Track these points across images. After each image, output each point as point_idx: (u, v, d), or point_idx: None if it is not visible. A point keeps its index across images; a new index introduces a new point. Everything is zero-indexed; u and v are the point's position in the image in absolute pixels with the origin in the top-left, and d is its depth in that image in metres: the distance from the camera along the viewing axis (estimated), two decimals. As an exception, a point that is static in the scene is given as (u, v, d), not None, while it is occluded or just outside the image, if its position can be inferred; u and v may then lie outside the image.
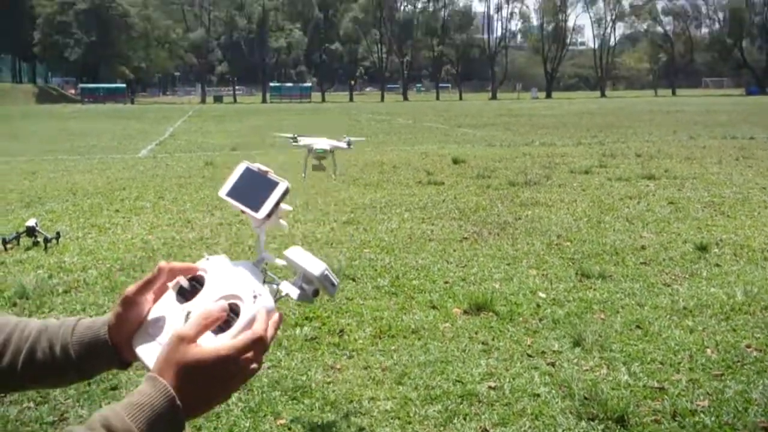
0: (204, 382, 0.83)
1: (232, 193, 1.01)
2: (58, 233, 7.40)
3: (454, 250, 6.87)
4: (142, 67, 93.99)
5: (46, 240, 7.13)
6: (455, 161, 14.03)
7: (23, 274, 6.13)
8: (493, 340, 4.53)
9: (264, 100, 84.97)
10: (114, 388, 3.89)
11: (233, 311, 0.90)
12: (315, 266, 0.97)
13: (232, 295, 0.91)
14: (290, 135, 5.21)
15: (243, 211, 0.99)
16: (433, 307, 5.18)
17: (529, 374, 3.99)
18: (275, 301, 0.94)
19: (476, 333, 4.65)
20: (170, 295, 0.95)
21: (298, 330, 4.70)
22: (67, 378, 1.00)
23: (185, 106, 65.48)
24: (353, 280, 5.88)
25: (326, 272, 0.97)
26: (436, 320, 4.91)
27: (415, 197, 10.03)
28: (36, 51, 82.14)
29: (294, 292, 0.98)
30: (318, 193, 10.44)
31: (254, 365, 0.87)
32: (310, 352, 4.37)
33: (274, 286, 0.98)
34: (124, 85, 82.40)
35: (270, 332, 0.89)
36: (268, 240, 1.01)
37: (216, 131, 25.93)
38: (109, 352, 0.96)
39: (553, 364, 4.12)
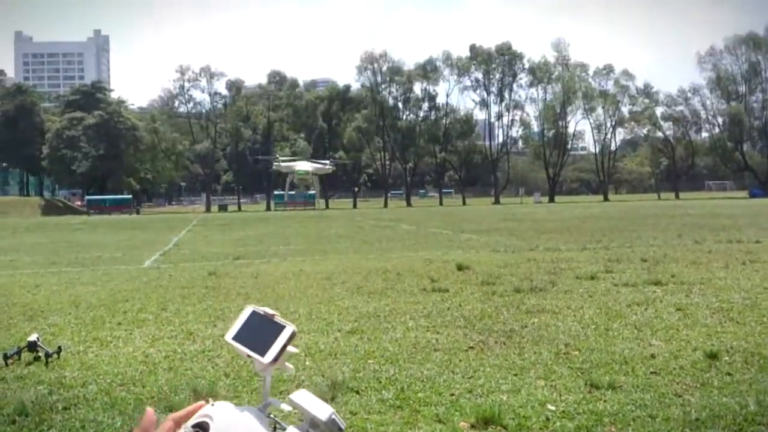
0: None
1: (238, 337, 1.01)
2: (59, 348, 7.32)
3: (460, 360, 6.76)
4: (149, 178, 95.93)
5: (47, 355, 7.06)
6: (459, 267, 14.02)
7: (23, 390, 6.02)
8: (502, 456, 4.39)
9: (268, 208, 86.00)
10: None
11: None
12: (322, 411, 0.96)
13: None
14: (276, 157, 5.21)
15: (249, 356, 0.98)
16: (440, 421, 5.05)
17: (540, 494, 3.83)
18: None
19: (484, 449, 4.51)
20: None
21: None
22: None
23: (190, 215, 66.26)
24: (357, 392, 5.76)
25: (333, 416, 0.97)
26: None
27: (419, 305, 9.96)
28: (44, 164, 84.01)
29: None
30: (321, 302, 10.41)
31: None
32: None
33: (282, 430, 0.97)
34: (130, 196, 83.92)
35: None
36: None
37: (220, 240, 26.11)
38: None
39: (565, 483, 3.97)
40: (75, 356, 7.35)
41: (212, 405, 0.96)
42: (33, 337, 7.23)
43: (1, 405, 5.61)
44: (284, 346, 0.97)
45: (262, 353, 0.97)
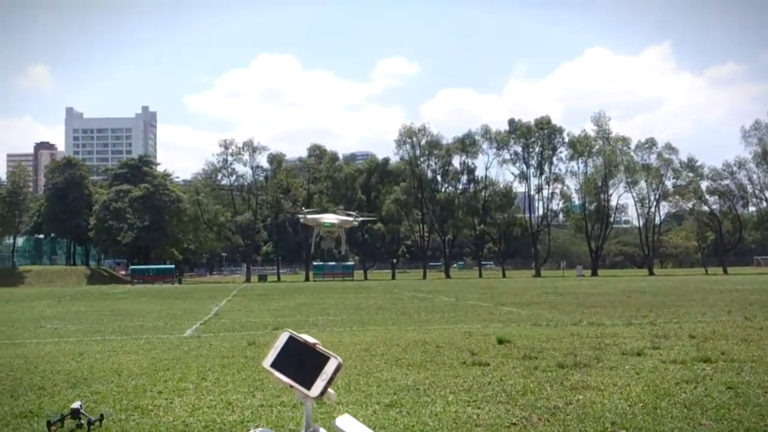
0: None
1: (277, 365, 1.00)
2: (101, 415, 7.37)
3: (503, 437, 6.61)
4: (191, 248, 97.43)
5: (90, 423, 7.10)
6: (500, 341, 13.81)
7: (64, 458, 6.05)
8: None
9: (307, 278, 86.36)
10: None
11: None
12: None
13: None
14: (299, 211, 5.23)
15: (291, 386, 0.97)
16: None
17: None
18: None
19: None
20: None
21: None
22: None
23: (230, 284, 66.81)
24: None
25: None
26: None
27: (459, 378, 9.81)
28: (91, 235, 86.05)
29: None
30: (360, 373, 10.32)
31: None
32: None
33: None
34: (173, 266, 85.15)
35: None
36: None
37: (259, 310, 26.22)
38: None
39: None
40: (116, 424, 7.38)
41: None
42: (76, 405, 7.30)
43: (42, 473, 5.63)
44: (331, 380, 0.97)
45: (308, 385, 0.97)
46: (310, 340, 1.02)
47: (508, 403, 8.13)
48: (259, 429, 0.99)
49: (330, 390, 0.98)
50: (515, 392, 8.76)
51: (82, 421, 7.18)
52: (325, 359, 0.99)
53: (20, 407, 8.32)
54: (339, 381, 9.59)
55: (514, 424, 7.14)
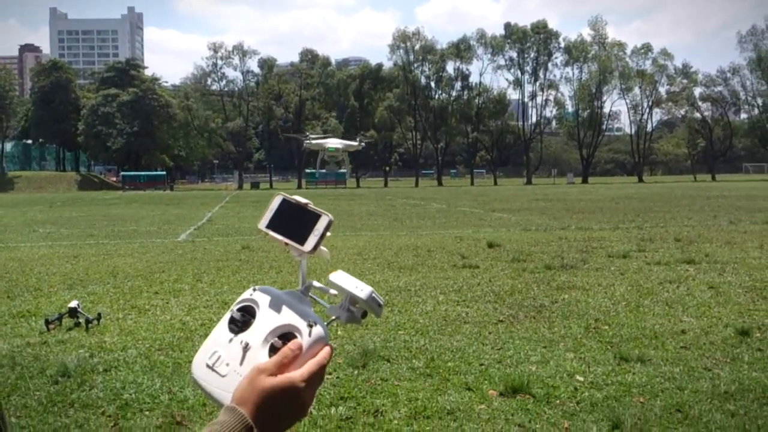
0: (278, 409, 0.90)
1: (272, 225, 1.05)
2: (99, 314, 7.55)
3: (490, 333, 6.84)
4: (182, 155, 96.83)
5: (88, 321, 7.28)
6: (490, 245, 14.05)
7: (65, 353, 6.24)
8: (529, 422, 4.47)
9: (300, 186, 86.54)
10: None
11: (288, 340, 0.96)
12: (362, 289, 1.02)
13: (287, 325, 0.96)
14: (302, 135, 5.24)
15: (287, 244, 1.03)
16: (469, 389, 5.13)
17: (567, 458, 3.91)
18: (326, 325, 0.99)
19: (512, 415, 4.59)
20: (222, 326, 0.99)
21: (333, 410, 4.69)
22: None
23: (223, 192, 66.93)
24: (388, 361, 5.87)
25: (373, 294, 1.01)
26: (472, 402, 4.86)
27: (450, 280, 10.04)
28: (79, 140, 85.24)
29: (343, 315, 1.03)
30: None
31: (315, 392, 0.94)
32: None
33: (323, 308, 1.03)
34: (164, 173, 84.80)
35: (324, 362, 0.95)
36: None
37: (252, 216, 26.38)
38: None
39: (592, 448, 4.04)
40: (114, 323, 7.57)
41: (254, 290, 1.02)
42: (74, 304, 7.46)
43: (44, 367, 5.83)
44: (323, 235, 1.02)
45: (301, 242, 1.02)
46: (302, 200, 1.06)
47: (496, 302, 8.36)
48: (260, 287, 1.04)
49: (323, 248, 1.03)
50: (503, 292, 9.00)
51: (80, 320, 7.36)
52: (317, 217, 1.03)
53: (17, 307, 8.49)
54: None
55: (501, 321, 7.37)
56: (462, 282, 9.85)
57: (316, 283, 1.06)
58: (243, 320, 0.99)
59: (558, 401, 4.84)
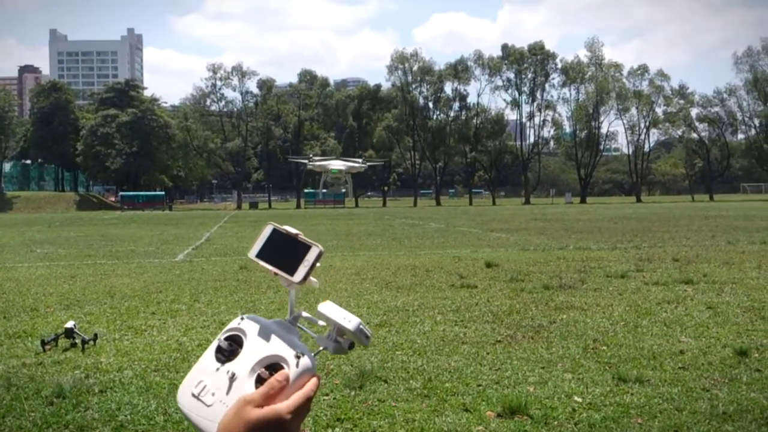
0: None
1: (262, 255, 1.05)
2: (95, 335, 7.52)
3: (488, 353, 6.81)
4: (181, 175, 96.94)
5: (84, 341, 7.25)
6: (488, 265, 14.04)
7: (61, 374, 6.21)
8: (527, 444, 4.44)
9: (298, 206, 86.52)
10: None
11: (275, 371, 0.95)
12: (350, 320, 1.02)
13: (274, 355, 0.95)
14: (306, 156, 5.26)
15: (276, 274, 1.03)
16: (466, 410, 5.10)
17: (565, 480, 3.88)
18: (314, 356, 0.98)
19: (510, 437, 4.56)
20: (209, 355, 0.99)
21: (329, 431, 4.66)
22: None
23: (222, 212, 66.92)
24: (385, 381, 5.84)
25: (361, 326, 1.02)
26: (469, 423, 4.83)
27: (447, 300, 10.01)
28: (78, 161, 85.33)
29: (330, 346, 1.02)
30: (351, 296, 10.51)
31: (300, 425, 0.93)
32: None
33: (312, 342, 1.03)
34: (162, 193, 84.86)
35: (312, 394, 0.94)
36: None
37: (251, 236, 26.28)
38: None
39: (590, 470, 4.01)
40: (110, 343, 7.54)
41: (242, 318, 1.01)
42: (70, 324, 7.43)
43: (39, 387, 5.79)
44: (313, 266, 1.02)
45: (291, 272, 1.02)
46: (293, 230, 1.06)
47: (494, 323, 8.33)
48: (248, 315, 1.03)
49: (312, 278, 1.03)
50: (501, 312, 8.97)
51: (76, 341, 7.32)
52: (307, 248, 1.03)
53: (14, 327, 8.46)
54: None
55: (499, 341, 7.35)
56: (460, 302, 9.83)
57: (304, 313, 1.06)
58: (230, 350, 0.98)
59: (556, 422, 4.81)
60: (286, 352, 0.96)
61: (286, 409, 0.90)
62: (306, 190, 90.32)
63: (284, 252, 1.04)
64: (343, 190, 72.93)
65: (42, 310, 9.73)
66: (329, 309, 1.03)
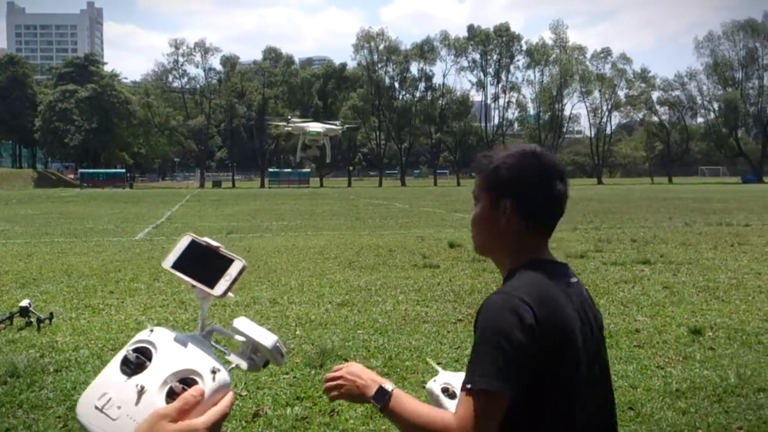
0: None
1: (178, 266, 1.01)
2: (51, 314, 7.39)
3: (448, 332, 6.86)
4: (142, 152, 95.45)
5: (39, 320, 7.12)
6: (451, 245, 14.11)
7: (15, 353, 6.09)
8: (485, 421, 4.48)
9: (262, 185, 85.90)
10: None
11: (188, 385, 0.91)
12: (266, 338, 0.99)
13: (188, 369, 0.92)
14: (284, 119, 5.23)
15: (194, 286, 0.99)
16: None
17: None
18: (229, 371, 0.95)
19: (468, 414, 4.60)
20: (113, 367, 0.94)
21: (288, 410, 4.66)
22: None
23: (184, 190, 66.14)
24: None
25: (277, 344, 0.99)
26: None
27: (410, 280, 10.05)
28: (37, 137, 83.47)
29: (243, 364, 0.99)
30: (313, 275, 10.48)
31: None
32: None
33: (224, 356, 1.00)
34: (123, 170, 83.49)
35: (227, 410, 0.93)
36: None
37: (213, 215, 26.14)
38: None
39: (545, 446, 4.07)
40: (67, 322, 7.42)
41: (151, 331, 0.98)
42: (25, 303, 7.29)
43: (-7, 367, 5.68)
44: (235, 280, 0.99)
45: (211, 285, 0.98)
46: (213, 243, 1.03)
47: (455, 302, 8.39)
48: (158, 327, 1.00)
49: (230, 293, 1.00)
50: (463, 292, 9.04)
51: (32, 319, 7.19)
52: (229, 261, 1.00)
53: (-32, 306, 8.28)
54: (292, 281, 9.76)
55: (460, 320, 7.40)
56: (422, 282, 9.87)
57: (218, 327, 1.03)
58: (137, 362, 0.94)
59: (513, 400, 4.86)
60: (201, 366, 0.93)
61: (203, 425, 0.88)
62: (270, 170, 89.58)
63: (203, 264, 1.01)
64: (307, 169, 72.43)
65: (-3, 288, 9.53)
66: (245, 325, 1.01)
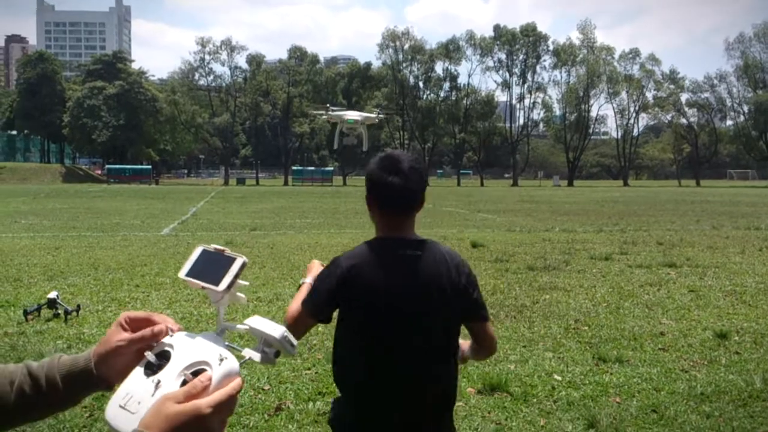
0: None
1: (191, 274, 1.09)
2: (78, 306, 7.50)
3: (470, 331, 6.84)
4: (168, 149, 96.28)
5: (67, 312, 7.23)
6: (474, 245, 14.08)
7: (43, 343, 6.20)
8: (506, 420, 4.48)
9: (286, 183, 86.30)
10: None
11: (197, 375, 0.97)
12: (274, 329, 1.04)
13: (200, 361, 0.98)
14: (323, 107, 5.49)
15: (204, 288, 1.07)
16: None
17: (542, 455, 3.92)
18: (240, 365, 1.00)
19: (489, 412, 4.60)
20: (138, 371, 1.00)
21: (310, 404, 4.69)
22: (54, 408, 1.10)
23: (209, 187, 66.63)
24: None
25: (285, 334, 1.05)
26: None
27: (432, 279, 10.02)
28: (65, 132, 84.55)
29: (256, 356, 1.05)
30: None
31: (225, 422, 0.95)
32: (323, 427, 4.34)
33: (238, 352, 1.06)
34: (149, 167, 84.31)
35: (233, 393, 0.96)
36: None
37: (237, 212, 26.31)
38: (93, 380, 1.07)
39: (567, 446, 4.06)
40: (94, 314, 7.53)
41: (171, 335, 1.04)
42: (53, 295, 7.40)
43: (20, 356, 5.78)
44: (236, 275, 1.06)
45: (216, 283, 1.05)
46: (220, 247, 1.10)
47: (477, 302, 8.36)
48: (178, 332, 1.06)
49: (240, 294, 1.07)
50: (485, 292, 8.98)
51: (59, 311, 7.30)
52: (231, 260, 1.07)
53: (-3, 297, 8.42)
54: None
55: (482, 320, 7.37)
56: (444, 281, 9.84)
57: (231, 325, 1.09)
58: (158, 364, 1.00)
59: (535, 400, 4.86)
60: (210, 356, 0.99)
61: (206, 404, 0.92)
62: (294, 168, 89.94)
63: (211, 267, 1.09)
64: (330, 168, 72.90)
65: (25, 280, 9.69)
66: (255, 321, 1.07)
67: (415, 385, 2.17)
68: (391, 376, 2.17)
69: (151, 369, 0.99)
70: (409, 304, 2.15)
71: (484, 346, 2.39)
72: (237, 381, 0.97)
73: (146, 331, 1.06)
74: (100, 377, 1.06)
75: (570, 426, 4.35)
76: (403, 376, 2.17)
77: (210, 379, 0.95)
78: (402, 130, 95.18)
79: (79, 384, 1.07)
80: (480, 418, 4.50)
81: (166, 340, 1.03)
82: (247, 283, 1.09)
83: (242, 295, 1.10)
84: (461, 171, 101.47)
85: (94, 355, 1.08)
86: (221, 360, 0.98)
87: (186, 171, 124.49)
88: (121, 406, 0.97)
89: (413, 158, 2.29)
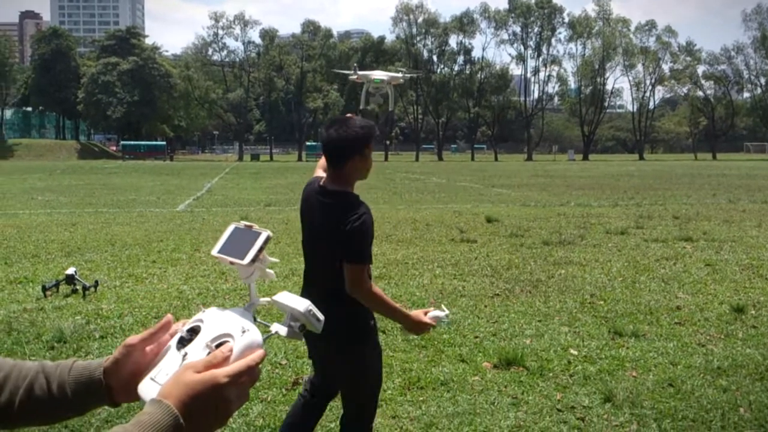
0: (204, 403, 0.91)
1: (222, 251, 1.11)
2: (96, 281, 7.57)
3: (485, 306, 6.86)
4: (182, 125, 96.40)
5: (85, 288, 7.30)
6: (489, 220, 14.05)
7: (62, 319, 6.27)
8: (522, 394, 4.50)
9: (300, 158, 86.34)
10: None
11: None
12: (299, 304, 1.07)
13: (224, 333, 0.99)
14: (354, 66, 5.73)
15: (232, 263, 1.09)
16: (463, 361, 5.16)
17: (558, 428, 3.95)
18: (265, 339, 1.01)
19: (505, 387, 4.62)
20: (171, 347, 1.03)
21: (327, 379, 4.72)
22: (60, 414, 1.10)
23: (223, 163, 66.80)
24: (383, 332, 5.87)
25: (310, 308, 1.08)
26: (465, 373, 4.89)
27: (447, 254, 10.05)
28: (80, 109, 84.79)
29: (283, 330, 1.07)
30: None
31: (246, 393, 0.96)
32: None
33: (266, 327, 1.08)
34: (164, 143, 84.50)
35: (253, 364, 0.96)
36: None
37: (252, 187, 26.38)
38: (102, 392, 1.06)
39: (582, 419, 4.07)
40: (111, 290, 7.60)
41: (203, 311, 1.06)
42: (71, 271, 7.48)
43: (40, 332, 5.85)
44: (261, 248, 1.07)
45: (242, 257, 1.07)
46: (248, 223, 1.12)
47: (492, 276, 8.38)
48: (208, 308, 1.07)
49: (269, 270, 1.09)
50: (500, 267, 9.01)
51: (77, 287, 7.38)
52: (257, 234, 1.09)
53: (15, 273, 8.52)
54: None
55: (497, 294, 7.40)
56: (459, 256, 9.87)
57: (260, 300, 1.11)
58: (189, 338, 1.02)
59: (551, 374, 4.87)
60: (234, 328, 1.00)
61: (223, 374, 0.92)
62: (308, 143, 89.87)
63: (239, 243, 1.11)
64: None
65: (43, 256, 9.78)
66: (282, 296, 1.10)
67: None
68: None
69: (182, 343, 1.01)
70: (313, 228, 3.13)
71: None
72: (258, 352, 0.97)
73: (153, 328, 1.07)
74: (108, 386, 1.06)
75: (586, 400, 4.36)
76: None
77: (231, 350, 0.95)
78: (416, 105, 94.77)
79: (86, 392, 1.07)
80: (496, 393, 4.52)
81: (198, 315, 1.05)
82: (277, 260, 1.10)
83: (271, 272, 1.11)
84: (475, 146, 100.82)
85: (105, 362, 1.08)
86: (243, 332, 0.99)
87: (200, 147, 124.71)
88: (151, 378, 0.99)
89: (346, 120, 2.93)
